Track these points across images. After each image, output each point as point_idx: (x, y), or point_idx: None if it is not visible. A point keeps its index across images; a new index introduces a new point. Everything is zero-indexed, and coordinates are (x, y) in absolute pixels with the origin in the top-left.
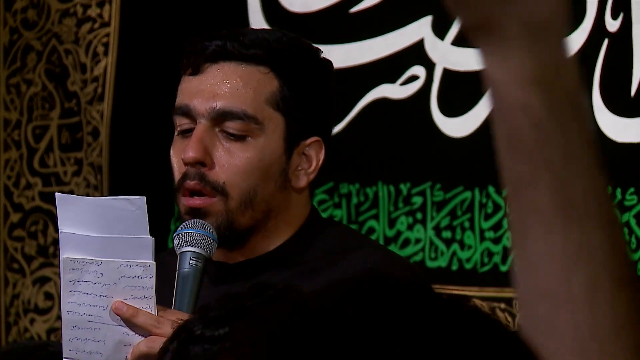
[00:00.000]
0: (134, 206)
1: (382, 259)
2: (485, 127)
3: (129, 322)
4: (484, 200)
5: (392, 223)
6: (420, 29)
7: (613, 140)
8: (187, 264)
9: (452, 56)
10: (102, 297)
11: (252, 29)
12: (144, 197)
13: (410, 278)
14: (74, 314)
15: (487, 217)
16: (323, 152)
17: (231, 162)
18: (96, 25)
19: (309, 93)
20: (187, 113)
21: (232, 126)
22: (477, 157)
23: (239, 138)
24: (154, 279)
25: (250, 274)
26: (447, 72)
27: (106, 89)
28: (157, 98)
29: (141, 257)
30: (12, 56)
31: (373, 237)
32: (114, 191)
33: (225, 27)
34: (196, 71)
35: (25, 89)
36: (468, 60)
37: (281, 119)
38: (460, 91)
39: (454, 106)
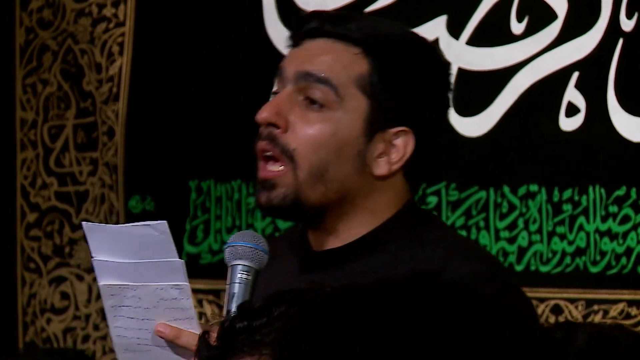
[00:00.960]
0: (157, 231)
1: (478, 276)
2: (500, 126)
3: (173, 344)
4: (499, 200)
5: None
6: (435, 29)
7: (628, 140)
8: (237, 278)
9: (466, 56)
10: (145, 320)
11: (362, 13)
12: (165, 221)
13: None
14: (122, 337)
15: (502, 216)
16: (412, 144)
17: (304, 129)
18: (111, 25)
19: (402, 83)
20: (280, 75)
21: (313, 92)
22: (492, 157)
23: (319, 107)
24: (191, 299)
25: (335, 263)
26: (461, 72)
27: (121, 89)
28: (172, 97)
29: (174, 280)
30: (28, 56)
31: None
32: (129, 190)
33: (240, 27)
34: (296, 44)
35: (41, 89)
36: (483, 60)
37: (364, 101)
38: (475, 91)
39: (469, 106)
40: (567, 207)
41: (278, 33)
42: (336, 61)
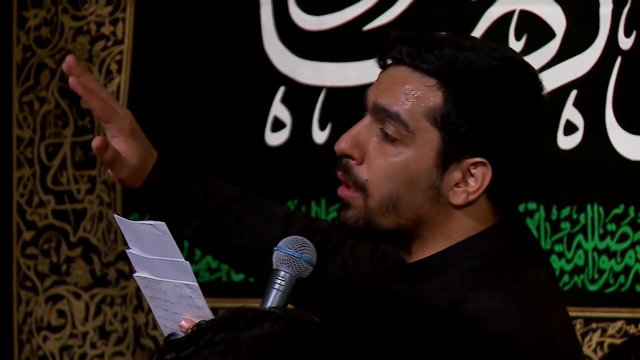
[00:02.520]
0: (159, 230)
1: (496, 312)
2: None
3: None
4: None
5: None
6: None
7: (627, 158)
8: (274, 283)
9: None
10: (174, 313)
11: (453, 37)
12: (164, 222)
13: None
14: (165, 327)
15: None
16: (489, 174)
17: (378, 162)
18: (109, 43)
19: (477, 114)
20: (365, 102)
21: (386, 127)
22: None
23: (392, 140)
24: (203, 299)
25: (400, 278)
26: None
27: None
28: (170, 115)
29: (185, 279)
30: (26, 74)
31: None
32: (127, 209)
33: (238, 45)
34: (383, 68)
35: (39, 107)
36: None
37: (436, 134)
38: None
39: None
40: (566, 225)
41: (276, 51)
42: (410, 93)
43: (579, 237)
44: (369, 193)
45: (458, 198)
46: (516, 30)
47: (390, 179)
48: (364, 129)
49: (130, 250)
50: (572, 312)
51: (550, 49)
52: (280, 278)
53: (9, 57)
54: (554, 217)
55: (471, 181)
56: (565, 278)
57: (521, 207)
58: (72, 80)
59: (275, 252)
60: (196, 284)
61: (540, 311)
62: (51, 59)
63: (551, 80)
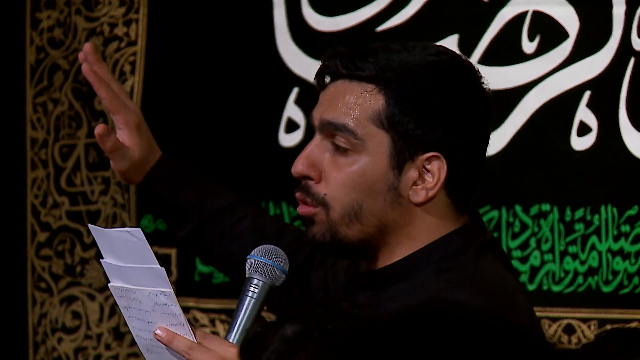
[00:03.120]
0: (134, 237)
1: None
2: (512, 146)
3: (169, 347)
4: (511, 219)
5: None
6: None
7: None
8: (247, 291)
9: None
10: (149, 322)
11: (386, 45)
12: (139, 228)
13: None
14: (140, 338)
15: (514, 236)
16: (445, 167)
17: (334, 175)
18: (123, 44)
19: (421, 110)
20: (311, 123)
21: (337, 140)
22: (504, 176)
23: (344, 151)
24: (178, 306)
25: (367, 287)
26: None
27: None
28: (184, 116)
29: (160, 286)
30: (39, 75)
31: None
32: (141, 210)
33: (252, 48)
34: (322, 87)
35: (52, 108)
36: (494, 79)
37: (385, 137)
38: None
39: None
40: (579, 227)
41: (290, 52)
42: (352, 103)
43: (593, 239)
44: (329, 206)
45: (418, 196)
46: (529, 31)
47: (349, 188)
48: (316, 147)
49: (104, 259)
50: (586, 313)
51: (564, 50)
52: (253, 285)
53: (23, 59)
54: (567, 218)
55: (428, 177)
56: (580, 279)
57: (535, 209)
58: (85, 67)
59: (248, 260)
60: (171, 290)
61: (508, 305)
62: (64, 60)
63: (564, 81)
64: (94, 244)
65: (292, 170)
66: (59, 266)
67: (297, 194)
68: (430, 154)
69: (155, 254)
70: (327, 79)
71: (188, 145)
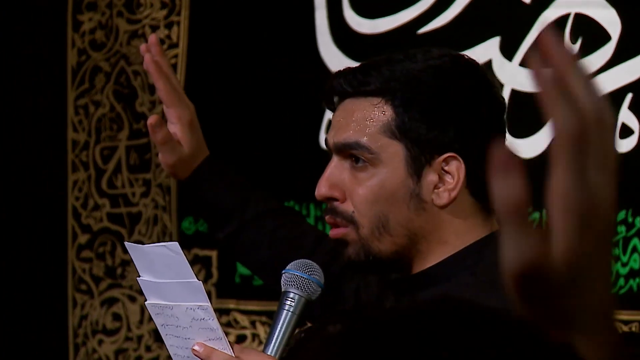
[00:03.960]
0: (172, 252)
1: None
2: None
3: None
4: None
5: None
6: (488, 50)
7: None
8: (284, 305)
9: (519, 77)
10: (186, 339)
11: (387, 57)
12: (177, 242)
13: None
14: (177, 356)
15: None
16: (463, 167)
17: (357, 191)
18: (164, 47)
19: (430, 113)
20: (327, 148)
21: (355, 157)
22: (545, 179)
23: (362, 167)
24: (216, 320)
25: (402, 290)
26: (515, 93)
27: None
28: (226, 118)
29: (198, 300)
30: (80, 77)
31: None
32: (182, 212)
33: (293, 50)
34: (332, 109)
35: (94, 110)
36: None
37: (399, 146)
38: (528, 112)
39: (522, 127)
40: (621, 229)
41: (331, 54)
42: (361, 119)
43: (635, 241)
44: (358, 223)
45: (441, 198)
46: (571, 33)
47: (372, 202)
48: (335, 169)
49: (141, 277)
50: (628, 315)
51: (606, 52)
52: (290, 299)
53: (64, 61)
54: None
55: (448, 178)
56: (621, 281)
57: None
58: (147, 57)
59: (283, 275)
60: (209, 304)
61: None
62: (106, 62)
63: (606, 83)
64: None
65: (316, 194)
66: (100, 268)
67: (327, 217)
68: (446, 155)
69: (196, 255)
70: (336, 100)
71: (229, 145)
